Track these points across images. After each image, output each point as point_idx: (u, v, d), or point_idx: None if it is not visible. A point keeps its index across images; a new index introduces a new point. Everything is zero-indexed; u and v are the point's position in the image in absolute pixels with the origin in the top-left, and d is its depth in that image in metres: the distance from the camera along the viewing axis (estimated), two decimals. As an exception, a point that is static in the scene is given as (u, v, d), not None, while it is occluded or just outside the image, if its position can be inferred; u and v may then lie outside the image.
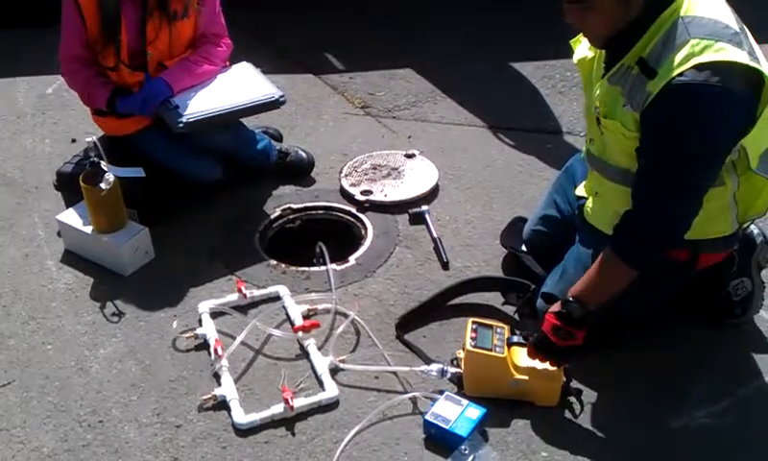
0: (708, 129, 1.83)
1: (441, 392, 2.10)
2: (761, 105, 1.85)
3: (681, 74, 1.78)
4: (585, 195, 2.33)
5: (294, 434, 2.05)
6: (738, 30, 1.86)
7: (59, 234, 2.78)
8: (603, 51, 2.07)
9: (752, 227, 2.30)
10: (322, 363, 2.22)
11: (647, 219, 1.94)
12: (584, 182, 2.36)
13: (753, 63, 1.80)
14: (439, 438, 2.00)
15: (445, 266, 2.65)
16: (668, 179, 1.89)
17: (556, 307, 2.01)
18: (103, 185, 2.52)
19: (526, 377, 2.08)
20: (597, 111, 2.04)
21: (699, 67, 1.77)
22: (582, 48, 2.17)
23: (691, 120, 1.82)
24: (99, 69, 2.79)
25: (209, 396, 2.13)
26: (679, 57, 1.80)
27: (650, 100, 1.84)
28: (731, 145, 1.89)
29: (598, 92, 2.05)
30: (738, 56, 1.79)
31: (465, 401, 2.05)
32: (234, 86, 2.86)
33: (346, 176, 3.12)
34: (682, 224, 1.94)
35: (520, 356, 2.11)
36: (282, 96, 2.84)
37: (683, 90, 1.79)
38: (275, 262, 2.69)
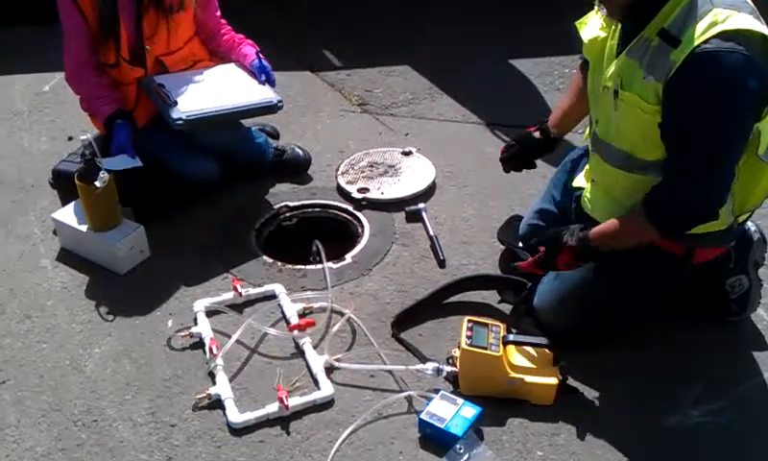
0: (735, 96, 1.82)
1: (436, 391, 2.09)
2: None
3: (705, 42, 1.78)
4: (582, 186, 2.32)
5: (289, 433, 2.05)
6: (754, 9, 1.87)
7: (54, 233, 2.78)
8: (617, 29, 2.06)
9: (749, 224, 2.30)
10: (317, 362, 2.22)
11: (687, 194, 1.93)
12: (582, 172, 2.36)
13: None
14: (434, 437, 1.99)
15: (442, 264, 2.64)
16: (701, 151, 1.88)
17: (573, 243, 2.08)
18: (98, 183, 2.51)
19: (522, 376, 2.07)
20: (617, 84, 2.01)
21: (723, 35, 1.78)
22: (591, 29, 2.16)
23: (718, 88, 1.81)
24: (105, 77, 2.78)
25: (204, 395, 2.12)
26: (702, 25, 1.80)
27: (675, 69, 1.83)
28: (753, 114, 1.88)
29: (613, 69, 2.02)
30: (759, 26, 1.81)
31: (460, 400, 2.04)
32: (234, 87, 2.84)
33: (342, 173, 3.11)
34: (722, 195, 1.94)
35: (516, 355, 2.11)
36: (281, 101, 2.81)
37: (709, 58, 1.78)
38: (270, 260, 2.68)
